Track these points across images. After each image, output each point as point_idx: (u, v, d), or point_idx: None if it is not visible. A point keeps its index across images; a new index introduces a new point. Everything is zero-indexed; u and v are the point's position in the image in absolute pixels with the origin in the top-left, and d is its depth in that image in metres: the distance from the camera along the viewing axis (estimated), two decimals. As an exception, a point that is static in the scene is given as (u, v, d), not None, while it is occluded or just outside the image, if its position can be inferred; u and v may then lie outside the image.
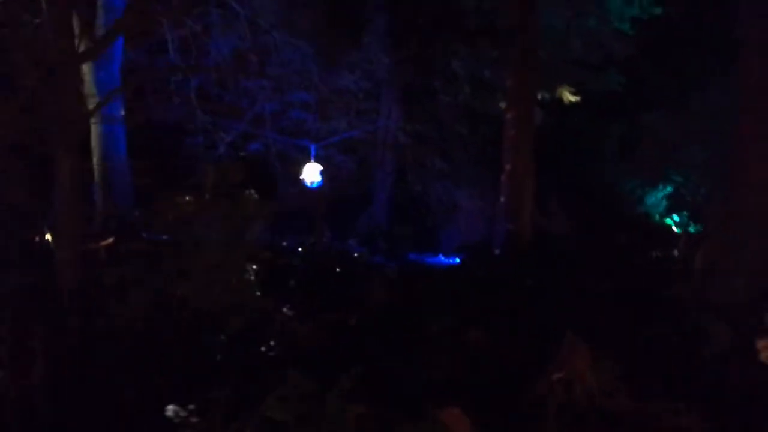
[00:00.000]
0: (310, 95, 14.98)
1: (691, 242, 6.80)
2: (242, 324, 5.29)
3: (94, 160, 13.61)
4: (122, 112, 14.10)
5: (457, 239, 14.45)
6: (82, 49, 13.14)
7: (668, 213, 16.96)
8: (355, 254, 11.29)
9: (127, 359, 4.55)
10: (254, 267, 5.96)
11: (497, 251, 11.75)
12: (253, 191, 5.89)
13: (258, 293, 5.65)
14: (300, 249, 10.85)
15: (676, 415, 4.10)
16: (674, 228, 16.40)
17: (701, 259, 6.47)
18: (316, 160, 14.51)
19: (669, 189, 17.11)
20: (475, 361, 4.78)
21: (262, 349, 5.08)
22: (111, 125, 13.97)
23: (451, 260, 12.58)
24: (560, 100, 16.71)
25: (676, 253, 8.13)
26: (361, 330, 5.75)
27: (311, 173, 13.03)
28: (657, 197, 17.17)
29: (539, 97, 16.60)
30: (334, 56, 15.12)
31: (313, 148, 13.18)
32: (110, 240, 9.41)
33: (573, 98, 16.70)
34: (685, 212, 16.49)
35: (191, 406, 3.84)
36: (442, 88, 16.94)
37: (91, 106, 13.58)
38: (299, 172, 14.05)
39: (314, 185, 13.01)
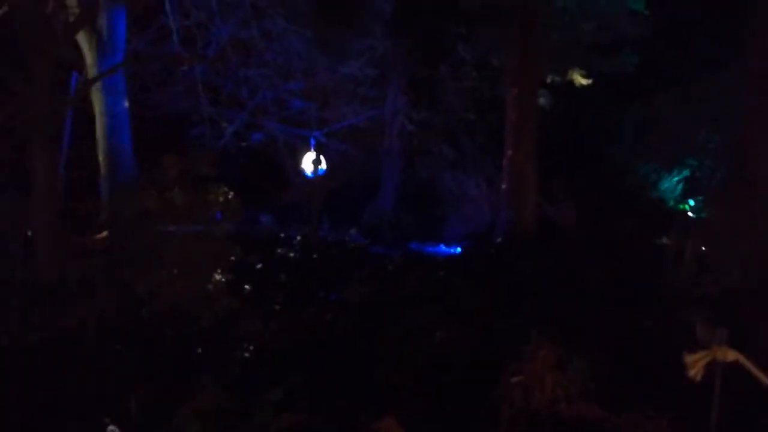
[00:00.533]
0: (311, 83, 14.79)
1: (682, 228, 6.45)
2: (207, 322, 5.19)
3: (99, 153, 13.68)
4: (126, 105, 14.13)
5: (464, 228, 14.20)
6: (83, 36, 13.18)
7: (683, 198, 16.43)
8: (352, 245, 11.13)
9: (69, 361, 4.48)
10: (226, 261, 5.84)
11: (498, 240, 11.51)
12: (222, 184, 5.75)
13: (225, 290, 5.52)
14: (297, 240, 10.76)
15: (643, 423, 3.86)
16: (690, 213, 15.90)
17: (693, 246, 6.14)
18: (320, 150, 14.35)
19: (685, 173, 16.56)
20: (437, 363, 4.60)
21: (218, 349, 4.96)
22: (115, 118, 14.01)
23: (452, 250, 12.37)
24: (571, 82, 16.30)
25: (665, 240, 7.70)
26: (330, 328, 5.60)
27: (311, 163, 12.88)
28: (672, 182, 16.65)
29: (548, 80, 16.24)
30: (337, 43, 14.89)
31: (312, 137, 13.01)
32: (104, 233, 9.42)
33: (584, 81, 16.25)
34: (701, 197, 15.95)
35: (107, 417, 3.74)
36: (449, 74, 16.61)
37: (95, 98, 13.69)
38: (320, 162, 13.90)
39: (314, 175, 12.86)
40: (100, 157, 13.64)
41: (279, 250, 10.15)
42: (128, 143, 14.07)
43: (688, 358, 3.52)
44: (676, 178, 16.49)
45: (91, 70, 13.64)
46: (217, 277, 5.57)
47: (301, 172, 13.19)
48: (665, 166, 16.37)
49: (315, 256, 9.14)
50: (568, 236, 10.86)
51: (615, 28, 15.44)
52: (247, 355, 4.80)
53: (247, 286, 6.95)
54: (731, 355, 3.58)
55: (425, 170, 17.24)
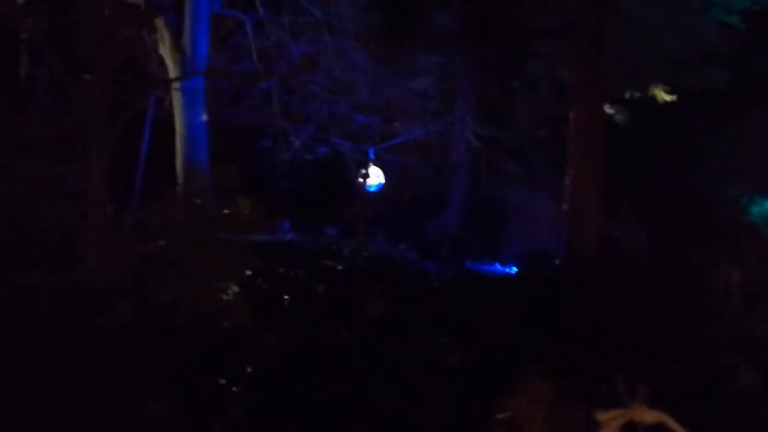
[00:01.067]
0: (377, 98, 14.90)
1: (732, 254, 5.77)
2: (225, 333, 5.27)
3: (177, 162, 14.47)
4: (205, 118, 14.88)
5: (525, 248, 13.69)
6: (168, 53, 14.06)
7: (777, 224, 15.06)
8: (401, 259, 11.01)
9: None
10: (248, 273, 5.92)
11: (556, 262, 11.00)
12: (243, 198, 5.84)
13: (242, 301, 5.58)
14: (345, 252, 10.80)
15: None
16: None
17: (741, 282, 5.51)
18: (380, 164, 14.40)
19: (780, 198, 15.22)
20: (433, 392, 4.39)
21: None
22: (194, 130, 14.79)
23: (507, 269, 11.94)
24: (654, 99, 15.46)
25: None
26: (343, 346, 5.52)
27: (371, 177, 12.93)
28: (765, 207, 15.33)
29: (627, 96, 15.45)
30: (404, 60, 14.92)
31: (371, 152, 13.07)
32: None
33: (668, 97, 15.37)
34: (796, 224, 14.57)
35: None
36: (520, 90, 16.22)
37: (177, 111, 14.53)
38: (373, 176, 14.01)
39: (373, 189, 12.90)
40: (178, 167, 14.41)
41: (328, 262, 10.22)
42: (204, 154, 14.78)
43: (601, 416, 3.09)
44: (768, 203, 15.20)
45: (174, 85, 14.51)
46: (235, 288, 5.65)
47: (360, 186, 13.27)
48: (758, 190, 15.11)
49: (352, 269, 9.10)
50: (633, 262, 10.16)
51: (704, 42, 14.50)
52: (249, 369, 4.81)
53: (286, 297, 7.03)
54: (651, 416, 3.11)
55: (492, 187, 16.87)
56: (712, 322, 5.43)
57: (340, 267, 9.90)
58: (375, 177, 13.01)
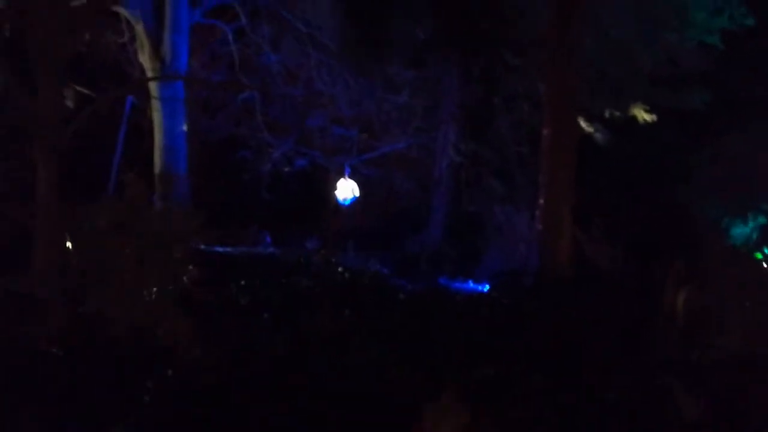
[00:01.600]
0: (358, 111, 14.89)
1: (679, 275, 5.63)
2: (153, 344, 5.14)
3: (156, 172, 14.41)
4: (184, 128, 14.84)
5: (501, 265, 13.59)
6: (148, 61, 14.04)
7: (759, 246, 14.96)
8: (370, 274, 10.90)
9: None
10: (190, 284, 5.81)
11: (528, 280, 10.89)
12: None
13: (176, 313, 5.46)
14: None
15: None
16: (764, 263, 14.45)
17: (687, 304, 5.38)
18: (360, 178, 14.38)
19: (761, 220, 15.13)
20: (353, 414, 4.26)
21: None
22: (173, 140, 14.75)
23: (480, 287, 11.82)
24: (634, 118, 15.43)
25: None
26: (279, 362, 5.40)
27: (344, 190, 12.86)
28: (746, 228, 15.22)
29: (607, 114, 15.40)
30: (383, 73, 14.93)
31: (347, 165, 13.02)
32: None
33: (648, 117, 15.34)
34: (779, 245, 14.48)
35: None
36: (501, 106, 16.20)
37: (155, 117, 14.50)
38: (347, 189, 13.97)
39: (347, 202, 12.82)
40: (156, 177, 14.36)
41: (293, 277, 10.11)
42: (184, 165, 14.75)
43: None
44: (751, 224, 15.09)
45: (154, 92, 14.50)
46: (171, 300, 5.54)
47: (334, 199, 13.20)
48: (737, 211, 15.02)
49: (315, 283, 8.99)
50: (602, 281, 10.06)
51: (682, 62, 14.50)
52: (166, 385, 4.67)
53: (233, 310, 6.90)
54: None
55: (475, 203, 16.79)
56: (654, 344, 5.30)
57: (304, 281, 9.79)
58: (349, 190, 12.94)
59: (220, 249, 14.70)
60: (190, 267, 5.99)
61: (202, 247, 14.28)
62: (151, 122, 14.51)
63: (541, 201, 11.14)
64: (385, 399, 4.41)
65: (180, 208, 14.18)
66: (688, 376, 4.80)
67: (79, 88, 14.77)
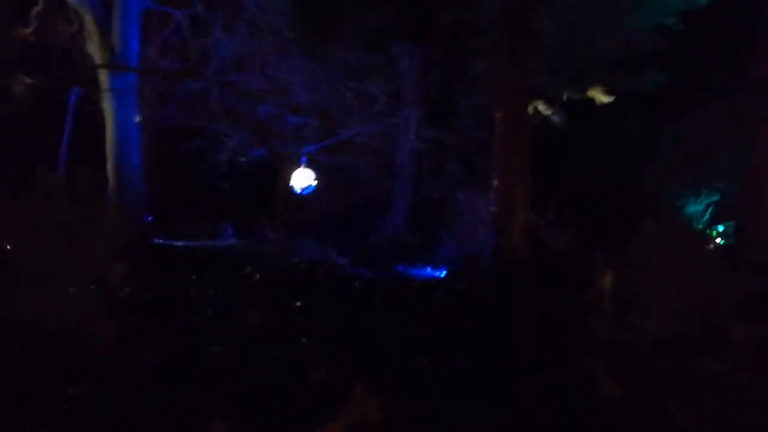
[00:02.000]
0: (315, 99, 14.70)
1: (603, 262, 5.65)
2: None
3: (108, 165, 14.08)
4: (137, 119, 14.49)
5: (461, 251, 13.58)
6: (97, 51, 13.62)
7: (712, 224, 15.21)
8: (327, 264, 10.81)
9: None
10: (116, 282, 5.64)
11: (483, 266, 10.88)
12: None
13: (100, 315, 5.30)
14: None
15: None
16: (718, 240, 14.68)
17: (614, 286, 5.40)
18: (320, 167, 14.24)
19: (715, 197, 15.34)
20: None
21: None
22: (127, 131, 14.40)
23: (437, 273, 11.81)
24: (592, 100, 15.47)
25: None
26: (211, 360, 5.28)
27: (301, 179, 12.71)
28: (700, 206, 15.45)
29: (564, 97, 15.41)
30: (339, 59, 14.73)
31: (304, 154, 12.87)
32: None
33: (606, 99, 15.37)
34: (731, 222, 14.72)
35: None
36: (462, 90, 16.14)
37: (107, 109, 14.12)
38: (304, 178, 13.84)
39: (305, 191, 12.68)
40: (109, 170, 14.04)
41: (246, 269, 9.98)
42: (137, 156, 14.43)
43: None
44: (705, 202, 15.33)
45: (104, 83, 14.12)
46: (95, 298, 5.37)
47: (289, 188, 13.05)
48: (692, 189, 15.23)
49: (265, 276, 8.87)
50: (554, 265, 10.09)
51: (639, 43, 14.53)
52: (85, 389, 4.53)
53: (167, 307, 6.75)
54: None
55: (437, 189, 16.76)
56: (581, 326, 5.32)
57: (258, 274, 9.66)
58: (306, 179, 12.78)
59: (179, 243, 14.49)
60: (118, 265, 5.82)
61: (160, 241, 14.11)
62: (102, 114, 14.17)
63: (495, 183, 11.09)
64: (302, 398, 4.33)
65: (134, 200, 13.99)
66: (611, 357, 4.82)
67: (29, 80, 14.37)
